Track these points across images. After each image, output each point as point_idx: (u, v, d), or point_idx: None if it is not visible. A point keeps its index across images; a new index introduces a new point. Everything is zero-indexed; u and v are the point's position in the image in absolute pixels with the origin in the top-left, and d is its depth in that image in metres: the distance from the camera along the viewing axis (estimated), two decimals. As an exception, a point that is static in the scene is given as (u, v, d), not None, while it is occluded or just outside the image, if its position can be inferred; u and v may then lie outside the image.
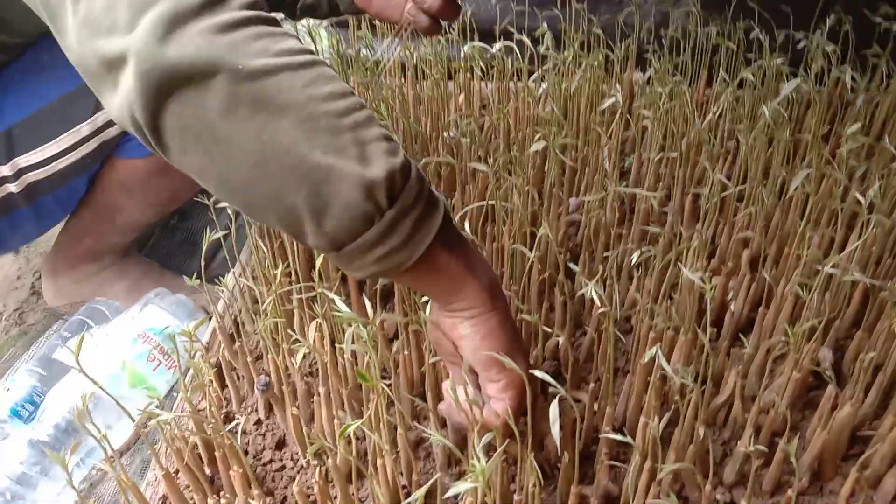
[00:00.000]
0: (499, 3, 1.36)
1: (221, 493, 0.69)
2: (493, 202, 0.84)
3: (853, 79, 1.01)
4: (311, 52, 0.53)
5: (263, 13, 0.52)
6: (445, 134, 1.06)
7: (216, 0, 0.49)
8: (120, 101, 0.49)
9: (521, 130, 1.05)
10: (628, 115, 1.13)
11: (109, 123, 0.91)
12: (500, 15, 1.33)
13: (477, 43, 1.20)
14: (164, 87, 0.48)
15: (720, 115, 1.07)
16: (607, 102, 1.00)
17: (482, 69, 1.23)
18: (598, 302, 0.63)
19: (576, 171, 1.04)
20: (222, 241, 0.99)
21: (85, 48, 0.50)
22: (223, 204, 0.81)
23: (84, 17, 0.49)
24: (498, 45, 1.17)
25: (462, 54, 1.25)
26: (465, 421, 0.60)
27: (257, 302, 0.88)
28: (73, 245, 1.09)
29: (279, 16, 1.01)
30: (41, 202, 0.95)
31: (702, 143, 1.00)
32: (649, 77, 1.09)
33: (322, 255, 0.71)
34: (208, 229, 0.78)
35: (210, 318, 0.92)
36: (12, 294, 1.19)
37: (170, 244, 1.23)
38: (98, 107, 0.89)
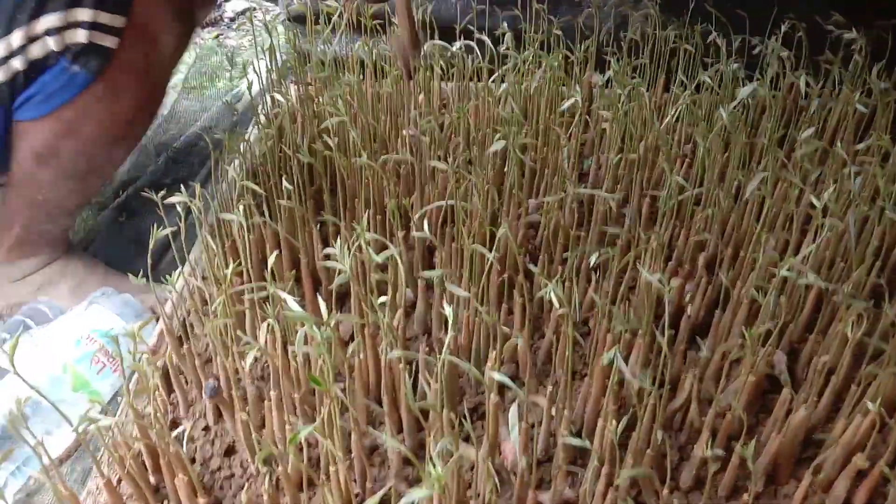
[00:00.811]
0: (459, 2, 1.34)
1: (166, 501, 0.66)
2: (452, 202, 0.83)
3: (807, 84, 1.03)
4: None
5: None
6: (404, 132, 1.04)
7: None
8: None
9: (482, 130, 1.03)
10: (587, 117, 1.13)
11: None
12: (461, 14, 1.31)
13: (437, 42, 1.19)
14: None
15: (678, 119, 1.08)
16: (567, 104, 0.99)
17: (442, 68, 1.21)
18: (556, 304, 0.62)
19: (535, 172, 1.04)
20: (171, 239, 0.97)
21: None
22: (172, 200, 0.79)
23: None
24: (458, 44, 1.16)
25: (422, 52, 1.23)
26: None
27: (207, 303, 0.85)
28: (4, 237, 1.04)
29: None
30: None
31: (660, 146, 1.00)
32: (608, 79, 1.09)
33: (274, 253, 0.70)
34: (155, 226, 0.75)
35: (157, 320, 0.88)
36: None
37: (117, 243, 1.18)
38: None
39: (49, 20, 0.83)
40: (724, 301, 0.79)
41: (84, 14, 0.84)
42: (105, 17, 0.85)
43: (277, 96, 0.99)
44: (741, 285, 0.79)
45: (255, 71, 1.11)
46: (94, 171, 0.99)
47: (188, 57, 1.80)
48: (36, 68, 0.86)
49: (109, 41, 0.86)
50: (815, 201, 0.73)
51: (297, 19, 1.40)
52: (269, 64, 1.13)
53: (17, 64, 0.85)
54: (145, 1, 0.88)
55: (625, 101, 1.01)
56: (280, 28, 1.61)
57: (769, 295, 0.71)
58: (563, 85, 1.12)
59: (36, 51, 0.85)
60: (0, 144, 0.94)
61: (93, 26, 0.84)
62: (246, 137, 1.09)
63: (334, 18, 1.23)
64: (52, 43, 0.84)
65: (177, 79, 1.71)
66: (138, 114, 0.95)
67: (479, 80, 1.16)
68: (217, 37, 1.92)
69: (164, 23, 0.92)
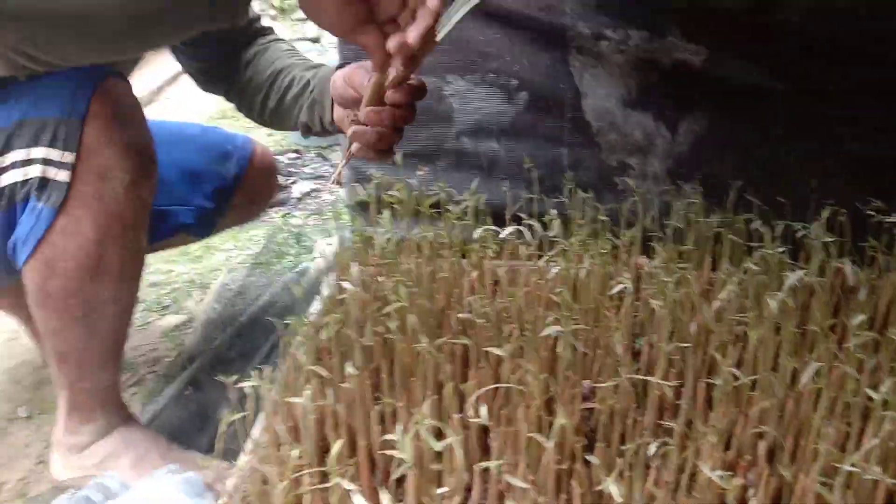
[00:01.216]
0: (509, 190, 1.44)
1: None
2: (507, 384, 0.85)
3: (854, 268, 1.06)
4: None
5: None
6: (460, 314, 1.09)
7: None
8: None
9: (534, 311, 1.08)
10: (637, 301, 1.17)
11: None
12: (511, 200, 1.41)
13: (489, 227, 1.27)
14: None
15: (726, 302, 1.11)
16: (617, 288, 1.04)
17: (494, 250, 1.28)
18: (617, 500, 0.63)
19: (586, 353, 1.06)
20: (234, 416, 1.00)
21: None
22: (242, 385, 0.83)
23: None
24: (508, 229, 1.24)
25: (475, 236, 1.31)
26: None
27: (267, 482, 0.87)
28: (61, 403, 1.09)
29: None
30: None
31: (711, 330, 1.02)
32: (655, 265, 1.14)
33: (339, 442, 0.72)
34: (224, 406, 0.79)
35: (219, 500, 0.90)
36: (18, 462, 1.18)
37: (181, 416, 1.23)
38: None
39: (14, 154, 0.93)
40: (788, 495, 0.78)
41: (39, 151, 0.92)
42: (55, 154, 0.92)
43: (346, 284, 1.05)
44: (804, 477, 0.78)
45: (320, 253, 1.19)
46: (90, 312, 1.00)
47: (258, 234, 1.94)
48: (11, 204, 0.94)
49: (63, 175, 0.93)
50: (872, 394, 0.73)
51: (362, 206, 1.51)
52: (333, 245, 1.22)
53: None
54: (93, 136, 0.93)
55: (672, 287, 1.05)
56: (343, 209, 1.74)
57: (835, 491, 0.70)
58: (611, 266, 1.17)
59: (6, 180, 0.93)
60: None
61: (45, 162, 0.92)
62: (308, 318, 1.15)
63: (395, 205, 1.33)
64: (19, 174, 0.92)
65: (246, 254, 1.83)
66: (107, 244, 0.96)
67: (528, 261, 1.23)
68: (284, 216, 2.07)
69: (115, 156, 0.95)
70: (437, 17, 0.78)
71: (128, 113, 0.97)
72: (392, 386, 0.99)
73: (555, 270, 1.12)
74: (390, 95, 0.87)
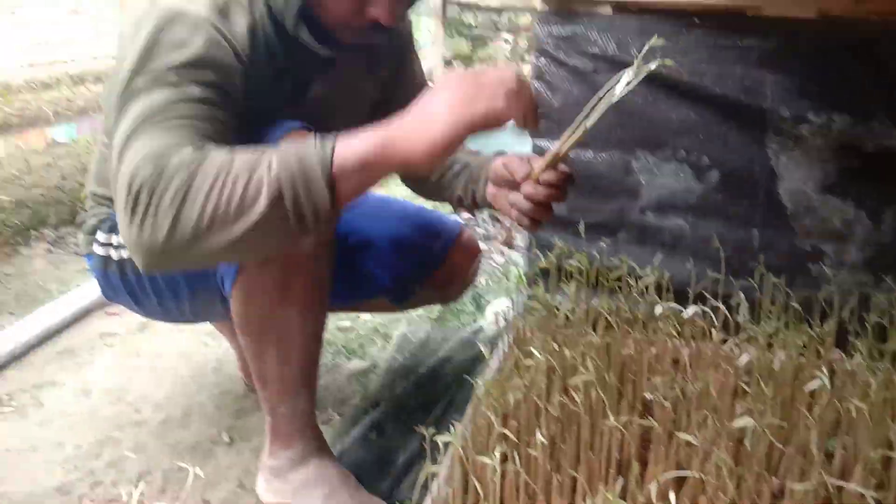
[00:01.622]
0: (694, 269, 1.43)
1: None
2: (696, 473, 0.85)
3: None
4: (181, 183, 0.84)
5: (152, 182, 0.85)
6: (645, 394, 1.10)
7: (132, 217, 0.85)
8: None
9: (722, 399, 1.06)
10: (836, 401, 1.12)
11: None
12: (695, 279, 1.40)
13: (672, 305, 1.26)
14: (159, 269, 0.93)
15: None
16: (813, 385, 1.00)
17: (676, 329, 1.28)
18: None
19: (774, 449, 1.03)
20: (433, 468, 1.06)
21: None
22: (440, 438, 0.90)
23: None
24: (692, 309, 1.23)
25: (656, 312, 1.31)
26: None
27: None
28: (268, 430, 1.21)
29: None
30: None
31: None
32: (854, 361, 1.09)
33: None
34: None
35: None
36: (221, 484, 1.31)
37: (365, 459, 1.31)
38: None
39: None
40: None
41: None
42: None
43: (533, 350, 1.10)
44: None
45: (495, 314, 1.25)
46: (281, 337, 1.11)
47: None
48: None
49: None
50: None
51: (542, 271, 1.56)
52: (507, 307, 1.27)
53: None
54: None
55: (874, 388, 1.00)
56: (517, 272, 1.80)
57: None
58: (802, 356, 1.13)
59: None
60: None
61: None
62: (488, 379, 1.21)
63: (575, 275, 1.36)
64: None
65: (424, 308, 1.93)
66: (292, 273, 1.06)
67: (710, 341, 1.21)
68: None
69: None
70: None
71: None
72: (572, 457, 1.02)
73: (745, 358, 1.10)
74: (545, 177, 1.07)
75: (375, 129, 0.88)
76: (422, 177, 1.38)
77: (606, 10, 1.39)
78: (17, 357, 1.74)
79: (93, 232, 1.24)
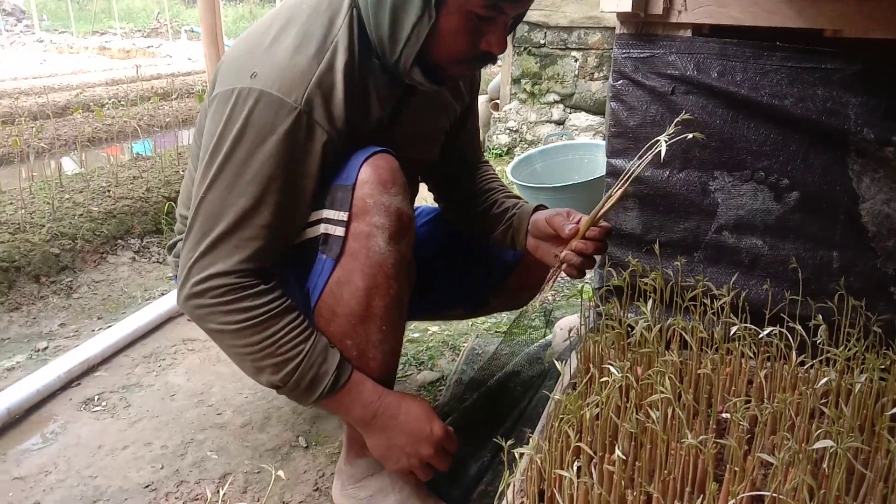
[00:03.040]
0: (771, 289, 1.42)
1: None
2: (772, 494, 0.85)
3: None
4: (245, 318, 1.08)
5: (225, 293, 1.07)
6: (723, 415, 1.10)
7: (198, 294, 1.09)
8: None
9: (800, 420, 1.05)
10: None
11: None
12: (772, 300, 1.38)
13: (748, 326, 1.26)
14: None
15: None
16: (895, 409, 0.99)
17: (752, 350, 1.27)
18: None
19: (853, 473, 1.01)
20: (512, 478, 1.08)
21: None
22: (519, 450, 0.92)
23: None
24: (768, 330, 1.22)
25: (732, 332, 1.31)
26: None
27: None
28: (346, 438, 1.25)
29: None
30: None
31: None
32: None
33: None
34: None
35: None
36: (299, 487, 1.36)
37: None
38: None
39: (313, 215, 1.12)
40: None
41: (321, 213, 1.10)
42: (333, 213, 1.09)
43: (610, 366, 1.11)
44: None
45: (563, 329, 1.26)
46: (362, 352, 1.14)
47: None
48: (307, 257, 1.13)
49: (339, 231, 1.09)
50: None
51: (615, 288, 1.56)
52: (576, 323, 1.29)
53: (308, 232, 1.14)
54: (360, 199, 1.08)
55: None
56: (587, 289, 1.80)
57: None
58: (883, 380, 1.11)
59: (309, 234, 1.12)
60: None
61: (327, 221, 1.09)
62: (559, 394, 1.22)
63: (650, 293, 1.37)
64: (309, 233, 1.12)
65: (491, 322, 1.96)
66: (373, 292, 1.11)
67: (785, 364, 1.20)
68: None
69: (378, 215, 1.09)
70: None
71: (389, 179, 1.11)
72: (647, 473, 1.02)
73: (823, 380, 1.09)
74: (590, 233, 1.20)
75: (381, 397, 1.15)
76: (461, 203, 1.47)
77: (686, 32, 1.40)
78: (107, 360, 1.85)
79: None
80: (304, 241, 1.13)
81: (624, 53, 1.43)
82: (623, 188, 1.15)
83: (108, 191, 2.85)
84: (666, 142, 1.08)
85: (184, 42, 11.50)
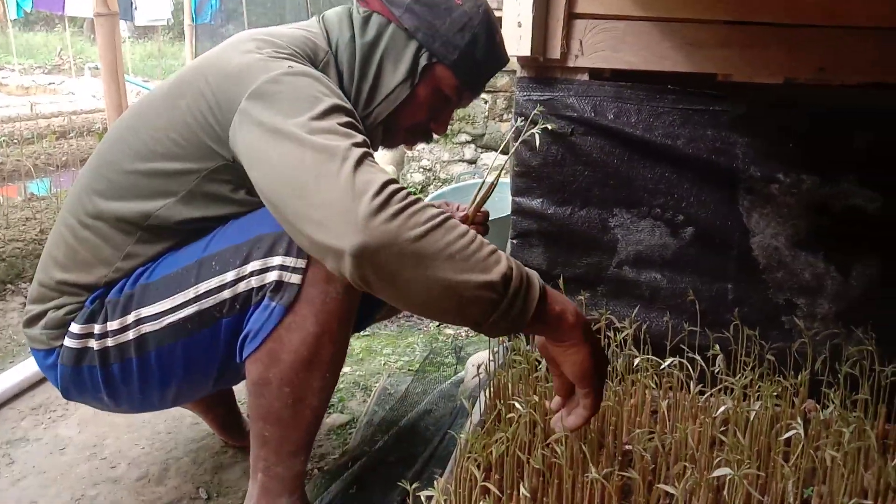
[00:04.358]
0: (671, 320, 1.47)
1: None
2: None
3: None
4: (439, 213, 0.88)
5: (406, 195, 0.88)
6: (626, 446, 1.11)
7: (384, 203, 0.85)
8: (332, 266, 0.87)
9: (699, 449, 1.08)
10: (811, 450, 1.14)
11: (210, 294, 1.08)
12: (672, 331, 1.43)
13: (649, 357, 1.29)
14: (367, 262, 0.84)
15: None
16: (788, 434, 1.03)
17: (655, 382, 1.30)
18: None
19: (752, 498, 1.04)
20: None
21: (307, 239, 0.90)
22: (424, 493, 0.90)
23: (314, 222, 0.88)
24: (669, 361, 1.25)
25: (634, 363, 1.34)
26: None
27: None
28: (256, 489, 1.18)
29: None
30: (147, 356, 1.11)
31: (889, 485, 0.98)
32: (829, 412, 1.11)
33: None
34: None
35: None
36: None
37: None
38: (199, 277, 1.09)
39: (253, 265, 1.07)
40: None
41: (276, 259, 1.06)
42: (290, 260, 1.06)
43: (516, 404, 1.11)
44: None
45: (474, 366, 1.26)
46: (299, 400, 1.10)
47: (415, 341, 2.05)
48: (245, 305, 1.08)
49: (296, 278, 1.05)
50: None
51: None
52: (486, 360, 1.29)
53: (227, 294, 1.08)
54: None
55: (847, 436, 1.02)
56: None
57: None
58: (777, 406, 1.16)
59: (242, 287, 1.07)
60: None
61: (282, 268, 1.06)
62: (470, 432, 1.21)
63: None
64: (254, 282, 1.06)
65: (404, 360, 1.94)
66: (324, 339, 1.08)
67: (687, 393, 1.23)
68: (438, 326, 2.18)
69: None
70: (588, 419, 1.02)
71: None
72: (554, 509, 1.02)
73: (722, 409, 1.12)
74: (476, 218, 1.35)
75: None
76: None
77: (584, 76, 1.45)
78: (-10, 412, 1.72)
79: (62, 325, 1.14)
80: (240, 286, 1.09)
81: (525, 96, 1.47)
82: (492, 183, 1.33)
83: (-3, 233, 2.69)
84: (539, 134, 1.40)
85: (87, 79, 11.12)
